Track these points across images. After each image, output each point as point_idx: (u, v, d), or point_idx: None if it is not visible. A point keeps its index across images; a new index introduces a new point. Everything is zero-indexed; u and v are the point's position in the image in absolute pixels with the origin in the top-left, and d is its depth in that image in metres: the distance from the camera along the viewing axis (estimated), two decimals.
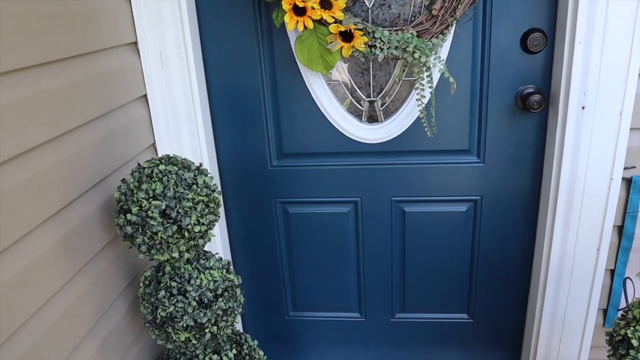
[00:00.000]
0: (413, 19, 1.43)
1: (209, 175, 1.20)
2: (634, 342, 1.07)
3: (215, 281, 1.26)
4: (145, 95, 1.50)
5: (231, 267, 1.34)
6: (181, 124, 1.53)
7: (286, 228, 1.78)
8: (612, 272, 1.60)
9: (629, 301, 1.55)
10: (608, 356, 1.16)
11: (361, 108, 1.59)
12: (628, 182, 1.49)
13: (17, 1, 0.98)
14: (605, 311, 1.66)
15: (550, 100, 1.50)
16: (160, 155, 1.53)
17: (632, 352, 1.08)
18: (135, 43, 1.45)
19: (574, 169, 1.46)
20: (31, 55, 1.01)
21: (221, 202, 1.24)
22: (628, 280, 1.59)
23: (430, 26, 1.35)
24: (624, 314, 1.16)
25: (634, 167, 1.48)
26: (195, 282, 1.23)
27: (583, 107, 1.40)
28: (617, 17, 1.31)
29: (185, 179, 1.15)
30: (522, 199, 1.65)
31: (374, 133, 1.60)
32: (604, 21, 1.32)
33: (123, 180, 1.17)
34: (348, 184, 1.68)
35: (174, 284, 1.22)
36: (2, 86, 0.94)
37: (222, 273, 1.29)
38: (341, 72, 1.56)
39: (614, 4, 1.30)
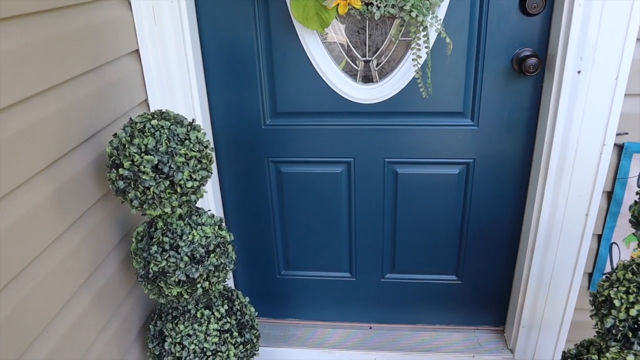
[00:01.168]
0: None
1: (201, 131, 1.20)
2: (616, 303, 1.10)
3: (207, 237, 1.27)
4: (137, 50, 1.48)
5: (223, 224, 1.35)
6: (174, 81, 1.51)
7: (279, 187, 1.79)
8: (600, 237, 1.63)
9: (614, 265, 1.58)
10: (590, 316, 1.19)
11: (356, 68, 1.58)
12: (620, 148, 1.50)
13: None
14: (590, 275, 1.69)
15: (547, 64, 1.49)
16: (152, 111, 1.52)
17: (613, 312, 1.10)
18: None
19: (566, 134, 1.47)
20: (20, 4, 0.99)
21: (214, 159, 1.24)
22: (614, 245, 1.62)
23: None
24: (608, 275, 1.19)
25: (626, 134, 1.48)
26: (188, 237, 1.24)
27: (579, 72, 1.39)
28: None
29: (177, 134, 1.14)
30: (515, 162, 1.66)
31: (369, 93, 1.59)
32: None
33: (115, 135, 1.17)
34: (341, 144, 1.68)
35: (166, 239, 1.23)
36: None
37: (214, 229, 1.30)
38: (337, 32, 1.54)
39: None
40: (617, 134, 1.47)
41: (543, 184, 1.55)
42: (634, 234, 1.12)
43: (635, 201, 1.10)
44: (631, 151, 1.49)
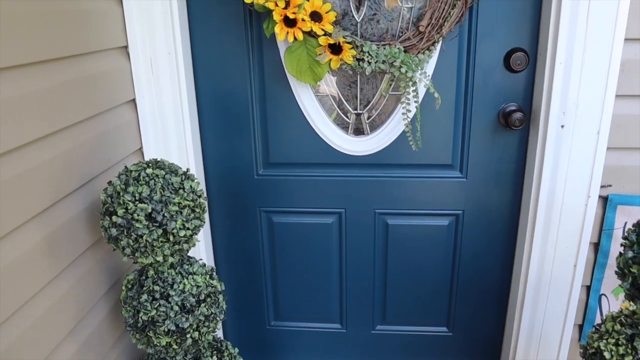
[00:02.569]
0: (401, 34, 1.47)
1: (195, 181, 1.21)
2: (606, 355, 1.10)
3: (198, 286, 1.26)
4: (134, 100, 1.51)
5: (214, 273, 1.35)
6: (169, 130, 1.54)
7: (270, 237, 1.79)
8: (588, 288, 1.64)
9: (604, 317, 1.59)
10: None
11: (348, 120, 1.62)
12: (604, 200, 1.54)
13: (9, 0, 1.00)
14: (581, 327, 1.69)
15: (532, 118, 1.54)
16: (146, 159, 1.54)
17: None
18: (126, 47, 1.46)
19: (552, 186, 1.50)
20: (20, 54, 1.02)
21: (207, 208, 1.25)
22: (603, 297, 1.63)
23: (417, 42, 1.38)
24: (597, 327, 1.19)
25: (610, 186, 1.52)
26: (179, 286, 1.24)
27: (562, 126, 1.44)
28: (595, 40, 1.36)
29: (172, 183, 1.16)
30: (503, 214, 1.68)
31: (360, 145, 1.63)
32: (583, 44, 1.37)
33: (110, 183, 1.18)
34: (333, 195, 1.70)
35: (156, 287, 1.22)
36: None
37: (205, 279, 1.30)
38: (329, 85, 1.59)
39: (593, 28, 1.35)
40: (601, 186, 1.50)
41: (531, 235, 1.58)
42: (620, 285, 1.13)
43: (620, 253, 1.12)
44: (615, 203, 1.53)
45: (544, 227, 1.55)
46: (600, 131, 1.44)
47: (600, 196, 1.52)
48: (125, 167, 1.20)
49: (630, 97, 1.44)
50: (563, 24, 1.36)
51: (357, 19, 1.48)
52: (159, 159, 1.23)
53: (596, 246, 1.59)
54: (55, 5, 1.14)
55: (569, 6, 1.34)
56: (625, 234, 1.12)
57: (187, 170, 1.24)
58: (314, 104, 1.58)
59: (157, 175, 1.15)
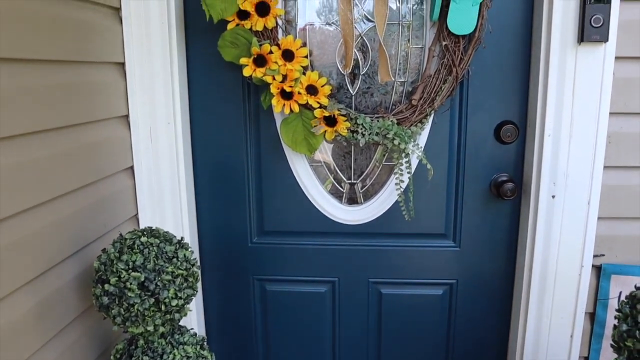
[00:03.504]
0: (394, 107, 1.52)
1: (189, 250, 1.22)
2: None
3: (188, 357, 1.24)
4: (132, 167, 1.53)
5: (205, 343, 1.32)
6: (165, 197, 1.56)
7: (263, 306, 1.77)
8: (587, 359, 1.61)
9: None
10: None
11: (342, 190, 1.64)
12: (598, 269, 1.54)
13: (15, 72, 1.03)
14: None
15: (523, 189, 1.57)
16: (142, 226, 1.55)
17: None
18: (127, 116, 1.50)
19: (546, 256, 1.51)
20: (22, 123, 1.05)
21: (200, 277, 1.25)
22: None
23: (409, 115, 1.43)
24: None
25: (602, 255, 1.53)
26: (169, 357, 1.21)
27: (553, 196, 1.47)
28: (582, 113, 1.41)
29: (166, 252, 1.16)
30: (497, 283, 1.68)
31: (354, 215, 1.64)
32: (570, 116, 1.42)
33: (104, 250, 1.18)
34: (326, 263, 1.70)
35: (146, 358, 1.20)
36: None
37: (195, 349, 1.27)
38: (324, 154, 1.62)
39: (579, 103, 1.41)
40: (594, 256, 1.51)
41: (526, 305, 1.56)
42: (616, 359, 1.12)
43: (615, 325, 1.11)
44: (609, 272, 1.53)
45: (538, 297, 1.54)
46: (591, 201, 1.46)
47: (593, 265, 1.53)
48: (120, 234, 1.21)
49: (618, 168, 1.47)
50: (550, 98, 1.41)
51: (351, 92, 1.53)
52: (153, 227, 1.24)
53: (592, 316, 1.57)
54: (62, 77, 1.18)
55: (555, 81, 1.40)
56: (619, 306, 1.12)
57: (182, 238, 1.24)
58: (308, 174, 1.61)
59: (151, 244, 1.15)
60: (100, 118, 1.36)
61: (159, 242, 1.17)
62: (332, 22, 1.51)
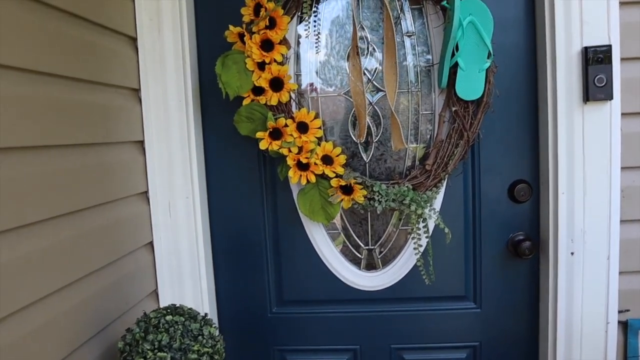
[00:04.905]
0: (408, 172, 1.54)
1: (213, 326, 1.21)
2: None
3: None
4: (151, 242, 1.55)
5: None
6: (184, 271, 1.56)
7: None
8: None
9: None
10: None
11: (360, 256, 1.65)
12: (624, 325, 1.51)
13: (40, 158, 1.07)
14: None
15: (541, 247, 1.57)
16: (161, 301, 1.55)
17: None
18: (146, 192, 1.53)
19: (569, 314, 1.49)
20: (47, 208, 1.07)
21: (224, 353, 1.24)
22: None
23: (424, 180, 1.45)
24: None
25: (628, 310, 1.51)
26: None
27: (572, 253, 1.47)
28: (594, 170, 1.43)
29: (191, 330, 1.15)
30: (521, 344, 1.64)
31: (373, 280, 1.64)
32: (582, 173, 1.44)
33: (128, 330, 1.18)
34: (347, 331, 1.68)
35: None
36: (20, 238, 0.99)
37: None
38: (340, 222, 1.64)
39: (590, 159, 1.43)
40: (619, 311, 1.49)
41: None
42: None
43: None
44: (636, 328, 1.51)
45: (565, 357, 1.51)
46: (611, 256, 1.46)
47: (619, 321, 1.50)
48: (145, 313, 1.21)
49: (635, 221, 1.48)
50: (561, 156, 1.44)
51: (365, 159, 1.57)
52: (177, 305, 1.24)
53: None
54: (84, 160, 1.22)
55: (564, 140, 1.43)
56: None
57: (206, 314, 1.24)
58: (326, 242, 1.62)
59: (176, 322, 1.15)
60: (121, 196, 1.38)
61: (184, 320, 1.17)
62: (344, 93, 1.56)
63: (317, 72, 1.57)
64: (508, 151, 1.55)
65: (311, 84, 1.57)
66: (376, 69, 1.55)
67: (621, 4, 1.40)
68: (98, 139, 1.28)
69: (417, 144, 1.56)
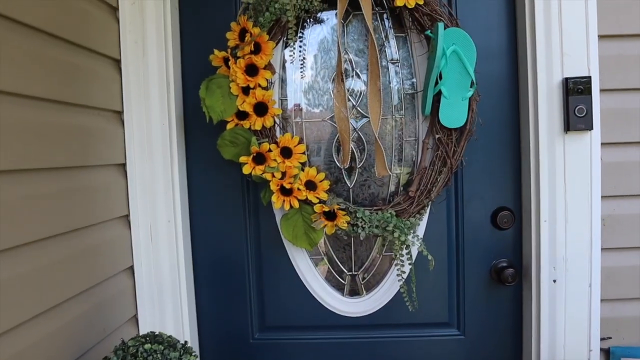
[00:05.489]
0: (391, 198, 1.55)
1: (193, 354, 1.19)
2: None
3: None
4: (131, 267, 1.52)
5: None
6: (165, 296, 1.54)
7: None
8: None
9: None
10: None
11: (343, 282, 1.63)
12: (607, 352, 1.52)
13: (19, 182, 1.05)
14: None
15: (523, 274, 1.57)
16: (141, 327, 1.52)
17: None
18: (127, 215, 1.51)
19: (552, 341, 1.49)
20: (24, 232, 1.05)
21: None
22: None
23: (407, 207, 1.46)
24: None
25: (609, 338, 1.51)
26: None
27: (554, 280, 1.47)
28: (575, 198, 1.45)
29: (170, 359, 1.13)
30: None
31: (356, 306, 1.62)
32: (564, 202, 1.45)
33: (106, 359, 1.15)
34: (330, 358, 1.65)
35: None
36: None
37: None
38: (324, 247, 1.63)
39: (572, 187, 1.45)
40: (601, 339, 1.50)
41: None
42: None
43: None
44: (618, 355, 1.51)
45: None
46: (592, 284, 1.47)
47: (602, 349, 1.51)
48: (122, 341, 1.18)
49: (616, 249, 1.49)
50: (543, 185, 1.45)
51: (349, 184, 1.57)
52: (156, 332, 1.21)
53: None
54: (64, 184, 1.20)
55: (546, 169, 1.45)
56: None
57: (185, 342, 1.22)
58: (309, 267, 1.61)
59: (155, 351, 1.13)
60: (102, 220, 1.36)
61: (162, 348, 1.14)
62: (329, 118, 1.56)
63: (301, 97, 1.57)
64: (491, 178, 1.56)
65: (296, 109, 1.58)
66: (361, 93, 1.56)
67: (600, 37, 1.43)
68: (79, 162, 1.27)
69: (400, 170, 1.57)
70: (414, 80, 1.56)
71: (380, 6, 1.52)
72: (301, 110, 1.58)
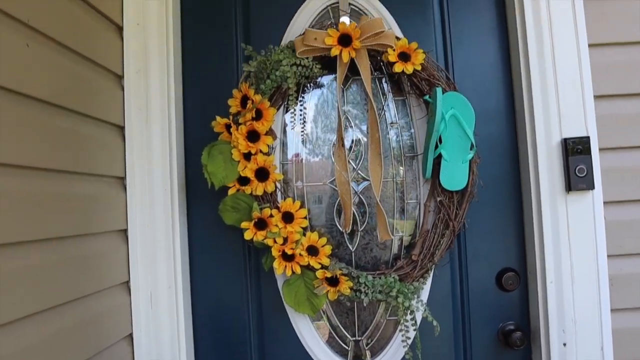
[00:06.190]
0: (394, 262, 1.53)
1: None
2: None
3: None
4: (130, 334, 1.49)
5: None
6: None
7: None
8: None
9: None
10: None
11: (346, 347, 1.59)
12: None
13: (21, 253, 1.05)
14: None
15: (532, 337, 1.53)
16: None
17: None
18: (127, 282, 1.49)
19: None
20: (24, 306, 1.04)
21: None
22: None
23: (410, 271, 1.44)
24: None
25: None
26: None
27: (564, 344, 1.43)
28: (581, 258, 1.43)
29: None
30: None
31: None
32: (569, 262, 1.44)
33: None
34: None
35: None
36: None
37: None
38: (326, 312, 1.60)
39: (576, 247, 1.43)
40: None
41: None
42: None
43: None
44: None
45: None
46: (604, 347, 1.43)
47: None
48: None
49: (626, 310, 1.46)
50: (547, 245, 1.44)
51: (351, 248, 1.55)
52: None
53: None
54: (65, 253, 1.20)
55: (549, 229, 1.44)
56: None
57: None
58: (312, 333, 1.57)
59: None
60: (102, 288, 1.35)
61: None
62: (330, 182, 1.57)
63: (303, 161, 1.58)
64: (494, 240, 1.55)
65: (296, 173, 1.59)
66: (362, 156, 1.57)
67: (596, 97, 1.45)
68: (81, 230, 1.26)
69: (403, 232, 1.56)
70: (414, 143, 1.57)
71: (379, 71, 1.55)
72: (302, 174, 1.59)
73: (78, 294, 1.23)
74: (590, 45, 1.46)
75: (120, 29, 1.51)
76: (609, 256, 1.45)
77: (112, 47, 1.47)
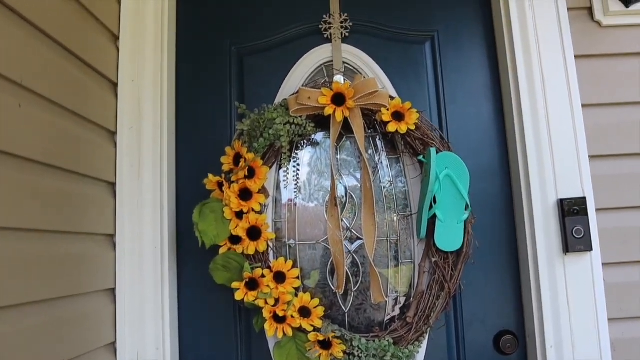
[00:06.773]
0: (388, 324, 1.48)
1: None
2: None
3: None
4: (113, 342, 1.44)
5: None
6: None
7: None
8: None
9: None
10: None
11: None
12: None
13: (15, 318, 1.01)
14: None
15: None
16: None
17: None
18: (114, 343, 1.44)
19: None
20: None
21: None
22: None
23: (405, 333, 1.39)
24: None
25: None
26: None
27: None
28: (581, 322, 1.40)
29: None
30: None
31: None
32: (569, 327, 1.41)
33: None
34: None
35: None
36: None
37: None
38: None
39: (576, 310, 1.40)
40: None
41: None
42: None
43: None
44: None
45: None
46: None
47: None
48: None
49: None
50: (546, 308, 1.41)
51: (344, 309, 1.51)
52: None
53: None
54: (52, 314, 1.16)
55: (548, 291, 1.42)
56: None
57: None
58: None
59: None
60: (87, 351, 1.30)
61: None
62: (322, 241, 1.54)
63: (296, 219, 1.56)
64: (491, 301, 1.51)
65: (289, 231, 1.56)
66: (355, 215, 1.55)
67: (591, 157, 1.45)
68: (68, 291, 1.24)
69: (397, 293, 1.52)
70: (408, 202, 1.55)
71: (373, 129, 1.55)
72: (295, 233, 1.56)
73: (63, 358, 1.19)
74: (584, 106, 1.47)
75: (114, 85, 1.52)
76: (609, 319, 1.41)
77: (106, 104, 1.47)
